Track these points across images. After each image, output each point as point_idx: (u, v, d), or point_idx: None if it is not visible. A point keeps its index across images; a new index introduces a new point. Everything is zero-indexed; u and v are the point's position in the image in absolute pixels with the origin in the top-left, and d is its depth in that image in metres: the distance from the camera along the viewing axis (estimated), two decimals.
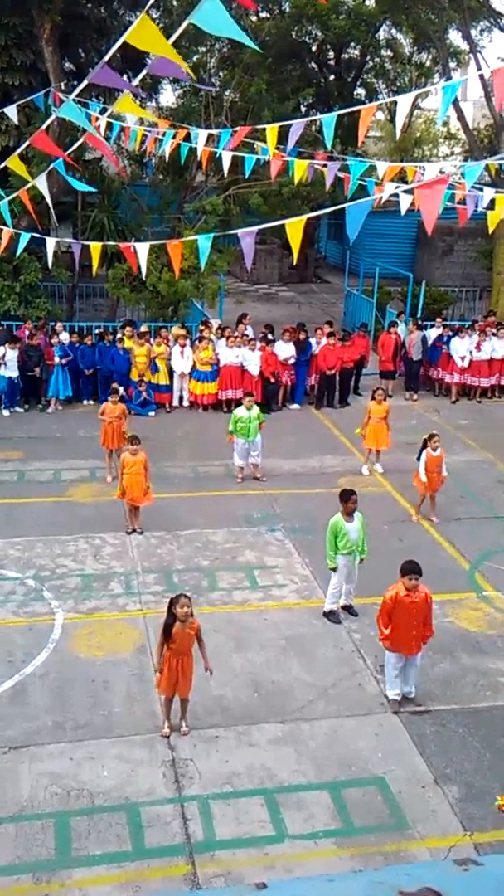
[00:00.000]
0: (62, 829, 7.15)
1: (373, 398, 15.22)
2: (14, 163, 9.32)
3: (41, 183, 9.82)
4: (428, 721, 8.73)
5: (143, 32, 5.45)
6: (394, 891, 1.18)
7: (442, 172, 16.05)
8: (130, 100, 7.71)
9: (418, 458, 13.28)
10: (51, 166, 11.17)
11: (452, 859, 1.27)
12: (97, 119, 12.27)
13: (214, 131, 14.75)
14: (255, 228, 8.44)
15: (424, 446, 13.21)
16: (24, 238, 10.53)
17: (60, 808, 7.38)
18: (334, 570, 10.29)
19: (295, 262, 22.11)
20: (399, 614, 8.55)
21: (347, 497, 10.30)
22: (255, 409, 14.59)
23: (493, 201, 11.45)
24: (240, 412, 14.49)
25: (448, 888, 1.18)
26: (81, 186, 12.28)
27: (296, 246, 7.90)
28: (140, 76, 8.61)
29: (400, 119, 9.42)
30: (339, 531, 10.16)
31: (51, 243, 10.41)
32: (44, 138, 9.26)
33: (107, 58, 6.16)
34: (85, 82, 7.02)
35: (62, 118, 13.13)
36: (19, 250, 11.38)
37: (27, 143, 9.58)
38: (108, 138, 13.29)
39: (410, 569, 8.54)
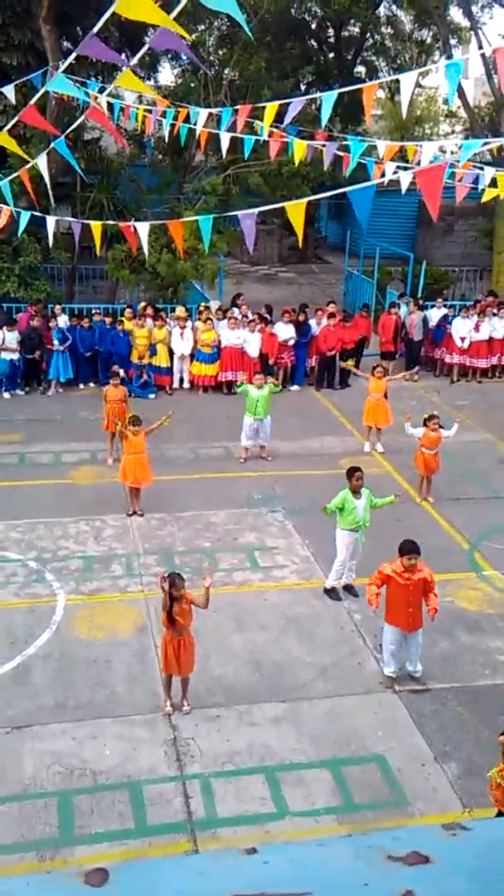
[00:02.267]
0: (65, 808, 7.22)
1: (372, 374, 15.22)
2: (4, 139, 9.20)
3: (41, 162, 9.73)
4: (427, 699, 8.80)
5: (132, 2, 5.33)
6: (382, 854, 1.21)
7: (442, 151, 15.97)
8: (132, 74, 7.59)
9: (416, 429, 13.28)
10: (51, 146, 11.08)
11: (441, 824, 1.29)
12: (96, 98, 12.17)
13: (214, 110, 14.62)
14: (256, 210, 8.34)
15: (425, 427, 13.23)
16: (24, 217, 10.45)
17: (63, 786, 7.45)
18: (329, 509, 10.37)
19: (300, 244, 22.01)
20: (393, 592, 8.62)
21: (352, 473, 10.35)
22: (266, 388, 14.49)
23: (494, 180, 11.39)
24: (252, 390, 14.41)
25: (436, 852, 1.20)
26: (80, 169, 12.14)
27: (299, 228, 7.82)
28: (140, 53, 8.48)
29: (405, 98, 9.29)
30: (346, 504, 10.22)
31: (51, 223, 10.30)
32: (34, 114, 9.12)
33: (95, 29, 6.02)
34: (74, 54, 6.92)
35: (61, 98, 13.04)
36: (20, 231, 11.29)
37: (16, 118, 9.46)
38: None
39: (409, 548, 8.56)
